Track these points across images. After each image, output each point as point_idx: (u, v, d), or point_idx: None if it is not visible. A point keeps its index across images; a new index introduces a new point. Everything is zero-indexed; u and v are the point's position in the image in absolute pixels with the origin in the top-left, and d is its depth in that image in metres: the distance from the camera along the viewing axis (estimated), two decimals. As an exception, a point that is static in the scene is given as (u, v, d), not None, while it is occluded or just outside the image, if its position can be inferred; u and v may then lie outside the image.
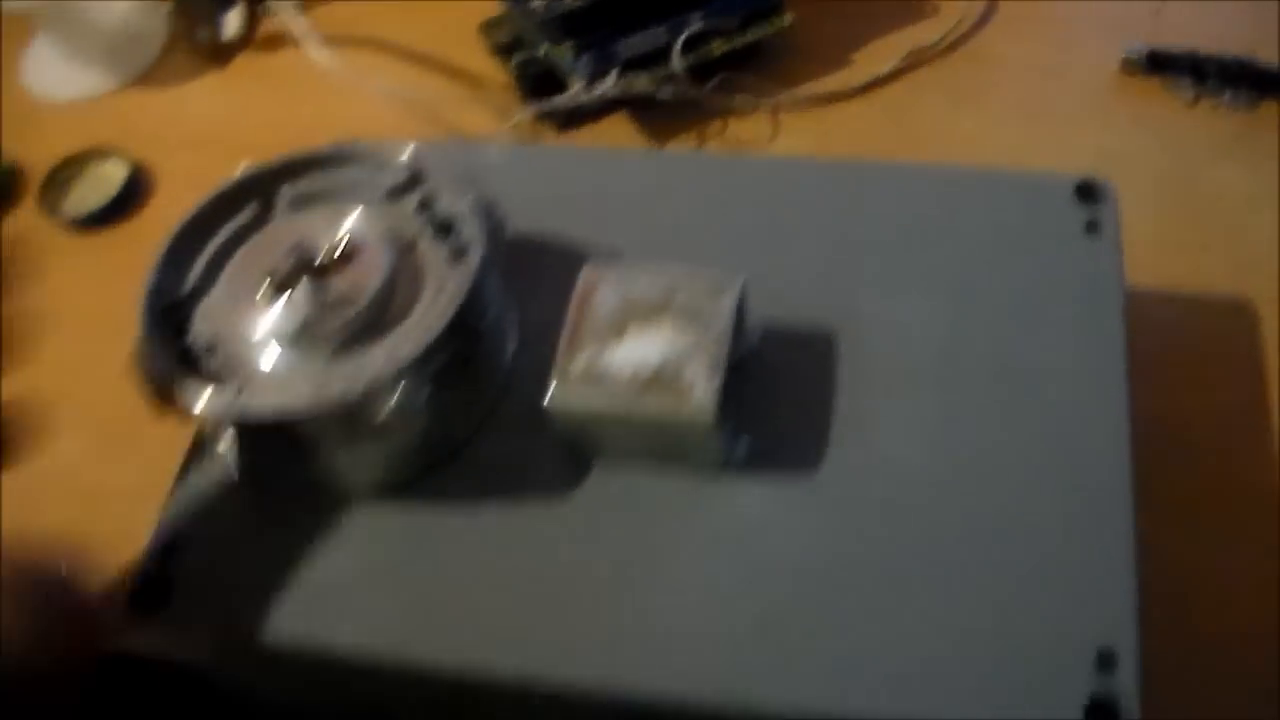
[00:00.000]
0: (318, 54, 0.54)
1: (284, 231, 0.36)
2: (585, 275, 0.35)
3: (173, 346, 0.34)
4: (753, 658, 0.31)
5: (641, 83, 0.51)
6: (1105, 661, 0.30)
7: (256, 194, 0.37)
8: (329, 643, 0.33)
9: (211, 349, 0.34)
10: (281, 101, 0.59)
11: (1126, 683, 0.30)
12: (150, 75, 0.62)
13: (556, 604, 0.33)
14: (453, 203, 0.36)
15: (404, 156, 0.37)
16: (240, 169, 0.37)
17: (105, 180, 0.57)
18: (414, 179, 0.37)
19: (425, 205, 0.36)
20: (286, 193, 0.37)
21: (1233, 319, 0.45)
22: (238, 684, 0.39)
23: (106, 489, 0.46)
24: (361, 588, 0.34)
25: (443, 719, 0.39)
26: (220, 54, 0.62)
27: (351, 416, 0.33)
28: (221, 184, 0.37)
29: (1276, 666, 0.38)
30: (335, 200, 0.37)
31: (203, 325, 0.35)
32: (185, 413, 0.33)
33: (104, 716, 0.38)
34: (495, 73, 0.57)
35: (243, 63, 0.62)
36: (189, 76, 0.62)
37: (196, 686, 0.38)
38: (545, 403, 0.33)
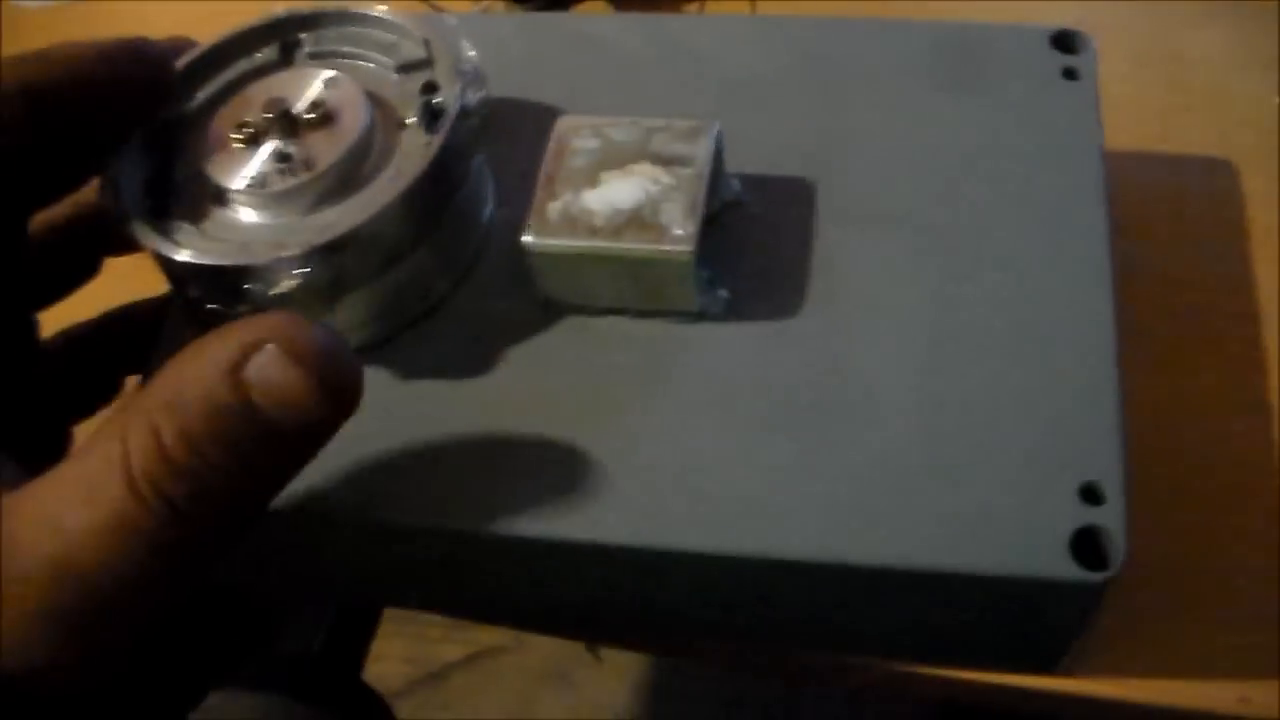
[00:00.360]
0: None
1: (276, 83, 0.35)
2: (560, 126, 0.35)
3: (145, 170, 0.34)
4: (730, 507, 0.31)
5: (617, -39, 0.51)
6: (1090, 495, 0.30)
7: (279, 38, 0.37)
8: (301, 506, 0.33)
9: (188, 185, 0.34)
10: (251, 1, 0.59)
11: (1113, 516, 0.30)
12: (119, -20, 0.62)
13: (533, 457, 0.33)
14: (448, 86, 0.35)
15: (421, 33, 0.36)
16: (276, 10, 0.37)
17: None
18: (426, 60, 0.36)
19: (428, 88, 0.36)
20: (309, 42, 0.37)
21: (1215, 178, 0.45)
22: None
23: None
24: (337, 449, 0.33)
25: (416, 583, 0.39)
26: (191, -45, 0.61)
27: (314, 274, 0.33)
28: (249, 20, 0.37)
29: (1255, 521, 0.38)
30: (352, 60, 0.37)
31: (187, 160, 0.35)
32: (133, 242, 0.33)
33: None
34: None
35: (214, -38, 0.61)
36: (158, -20, 0.61)
37: None
38: (523, 242, 0.33)
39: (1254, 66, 0.47)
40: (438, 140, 0.33)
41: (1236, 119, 0.46)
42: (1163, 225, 0.44)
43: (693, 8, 0.53)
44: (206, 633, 0.37)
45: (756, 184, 0.36)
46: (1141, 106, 0.47)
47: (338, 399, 0.27)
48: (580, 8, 0.53)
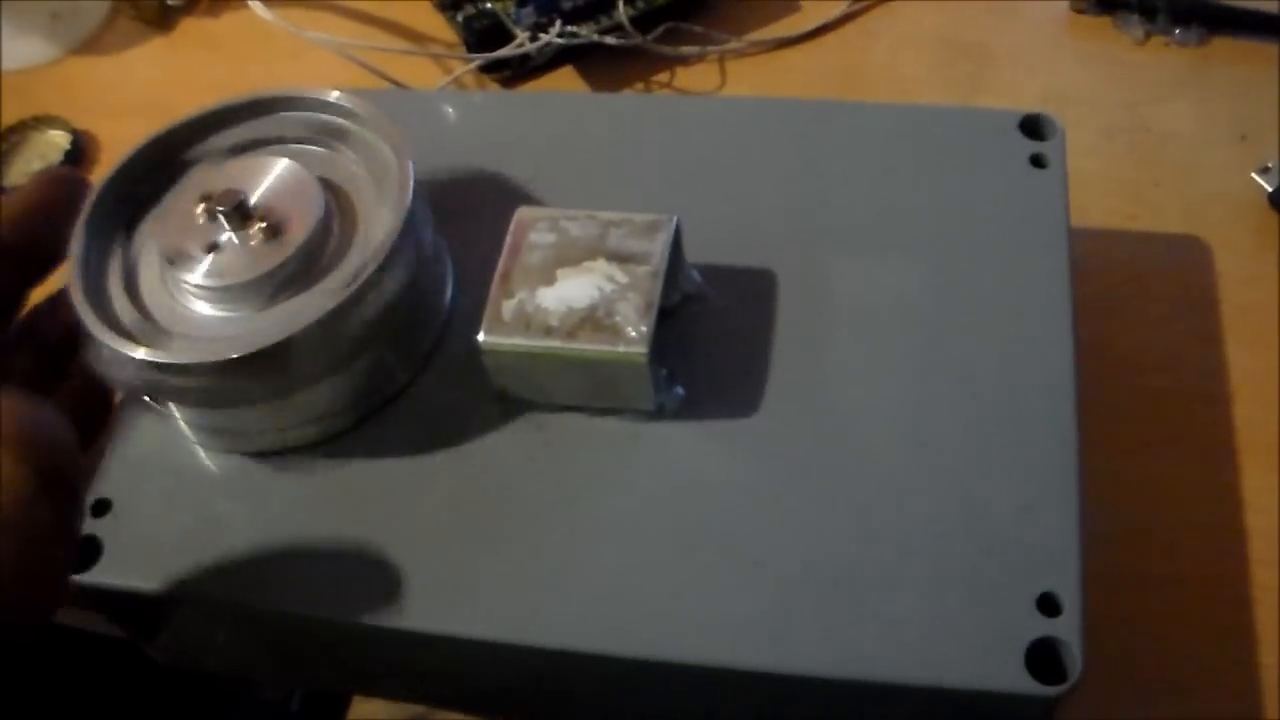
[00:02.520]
0: (261, 10, 0.53)
1: (238, 169, 0.35)
2: (518, 218, 0.35)
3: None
4: (684, 611, 0.31)
5: (585, 32, 0.50)
6: (1047, 606, 0.30)
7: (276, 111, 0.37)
8: (260, 603, 0.33)
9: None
10: (227, 65, 0.58)
11: (1070, 627, 0.29)
12: (93, 43, 0.61)
13: (488, 555, 0.32)
14: (387, 152, 0.35)
15: (354, 104, 0.36)
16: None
17: (48, 149, 0.56)
18: (358, 127, 0.36)
19: (368, 155, 0.36)
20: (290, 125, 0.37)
21: (1186, 256, 0.45)
22: (168, 650, 0.38)
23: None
24: (296, 544, 0.33)
25: (374, 677, 0.39)
26: (165, 19, 0.61)
27: (279, 368, 0.32)
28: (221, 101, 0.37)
29: (1220, 609, 0.37)
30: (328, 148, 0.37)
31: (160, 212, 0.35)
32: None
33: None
34: (443, 29, 0.56)
35: (188, 27, 0.61)
36: (133, 43, 0.61)
37: (121, 654, 0.37)
38: (478, 341, 0.32)
39: (1223, 141, 0.47)
40: (407, 189, 0.33)
41: (1207, 194, 0.46)
42: (1134, 305, 0.43)
43: (662, 77, 0.52)
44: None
45: (719, 275, 0.36)
46: (1112, 181, 0.47)
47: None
48: (551, 77, 0.53)
